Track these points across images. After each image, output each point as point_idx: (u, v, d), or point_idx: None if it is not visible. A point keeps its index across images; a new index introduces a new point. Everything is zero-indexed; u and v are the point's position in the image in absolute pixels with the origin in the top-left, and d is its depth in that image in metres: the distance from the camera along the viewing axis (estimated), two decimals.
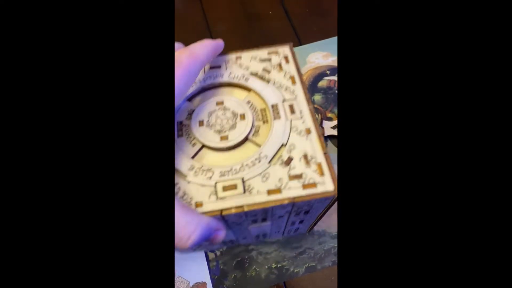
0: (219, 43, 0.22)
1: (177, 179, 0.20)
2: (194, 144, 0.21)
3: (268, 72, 0.24)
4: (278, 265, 0.34)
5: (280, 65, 0.24)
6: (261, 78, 0.24)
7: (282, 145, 0.21)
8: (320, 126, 0.25)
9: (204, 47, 0.20)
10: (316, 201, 0.19)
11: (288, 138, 0.21)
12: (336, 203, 0.21)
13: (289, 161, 0.20)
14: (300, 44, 0.45)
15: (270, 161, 0.20)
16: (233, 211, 0.18)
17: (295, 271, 0.34)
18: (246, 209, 0.18)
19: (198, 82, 0.24)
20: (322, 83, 0.42)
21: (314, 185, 0.19)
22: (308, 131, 0.21)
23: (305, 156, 0.20)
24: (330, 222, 0.35)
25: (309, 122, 0.21)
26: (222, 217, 0.19)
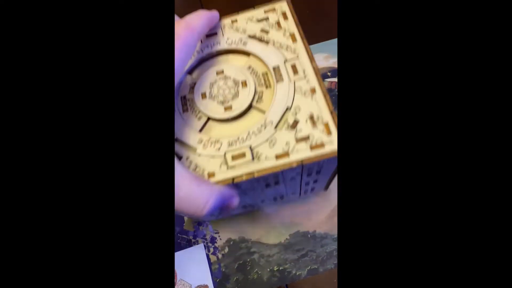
0: (214, 13, 0.22)
1: (187, 153, 0.20)
2: (200, 118, 0.22)
3: (267, 32, 0.23)
4: (280, 268, 0.34)
5: (278, 23, 0.23)
6: (260, 40, 0.23)
7: (287, 108, 0.20)
8: None
9: (200, 18, 0.20)
10: (325, 161, 0.19)
11: (293, 101, 0.20)
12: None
13: (295, 124, 0.20)
14: None
15: (276, 127, 0.20)
16: (244, 178, 0.19)
17: (297, 273, 0.34)
18: (256, 175, 0.19)
19: (196, 53, 0.23)
20: None
21: (322, 145, 0.19)
22: (313, 91, 0.21)
23: (311, 117, 0.20)
24: (332, 225, 0.35)
25: (313, 81, 0.21)
26: (235, 184, 0.19)
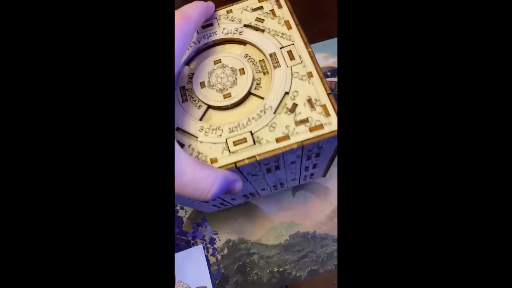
0: (209, 4, 0.23)
1: (189, 141, 0.21)
2: (200, 107, 0.22)
3: (262, 21, 0.24)
4: (280, 269, 0.34)
5: (273, 11, 0.24)
6: (255, 28, 0.23)
7: (285, 93, 0.21)
8: None
9: (196, 8, 0.21)
10: (324, 141, 0.20)
11: (291, 85, 0.21)
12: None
13: (294, 107, 0.20)
14: None
15: (275, 111, 0.20)
16: (246, 161, 0.19)
17: (297, 275, 0.33)
18: (258, 158, 0.19)
19: (193, 44, 0.24)
20: None
21: (321, 126, 0.20)
22: (310, 75, 0.21)
23: (309, 100, 0.20)
24: (332, 225, 0.35)
25: (309, 66, 0.21)
26: (238, 169, 0.20)
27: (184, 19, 0.19)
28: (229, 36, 0.24)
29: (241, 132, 0.20)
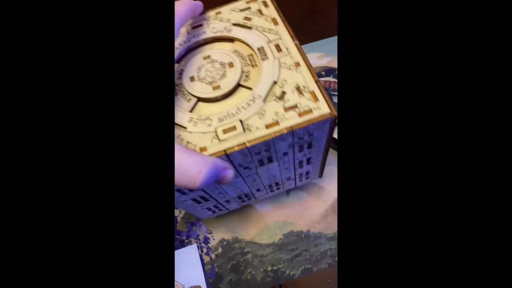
0: (197, 3, 0.24)
1: (178, 132, 0.21)
2: (189, 100, 0.22)
3: (249, 19, 0.25)
4: (274, 268, 0.34)
5: (260, 11, 0.25)
6: (244, 26, 0.24)
7: (274, 82, 0.21)
8: None
9: (184, 5, 0.21)
10: (314, 126, 0.20)
11: (279, 75, 0.21)
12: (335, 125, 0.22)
13: (282, 95, 0.21)
14: None
15: (264, 100, 0.21)
16: (236, 148, 0.19)
17: (291, 273, 0.34)
18: (248, 145, 0.19)
19: (183, 43, 0.24)
20: None
21: (310, 111, 0.20)
22: (297, 64, 0.22)
23: (298, 88, 0.21)
24: (326, 224, 0.35)
25: (297, 56, 0.22)
26: (228, 158, 0.20)
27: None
28: (218, 34, 0.24)
29: (231, 121, 0.20)
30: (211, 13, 0.26)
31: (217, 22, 0.25)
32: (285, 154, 0.23)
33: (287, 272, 0.34)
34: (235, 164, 0.21)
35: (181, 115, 0.21)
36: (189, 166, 0.17)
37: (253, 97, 0.21)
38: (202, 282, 0.34)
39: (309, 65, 0.21)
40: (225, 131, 0.20)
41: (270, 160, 0.23)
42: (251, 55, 0.24)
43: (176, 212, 0.37)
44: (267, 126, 0.20)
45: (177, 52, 0.24)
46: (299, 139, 0.21)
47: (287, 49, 0.22)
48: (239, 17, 0.25)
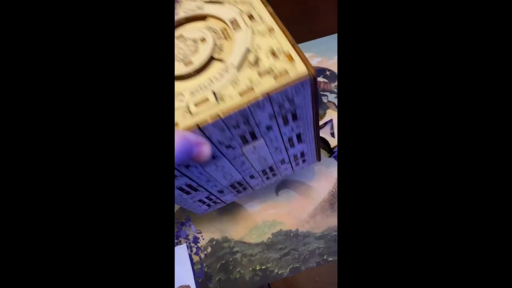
0: None
1: None
2: None
3: None
4: (263, 267, 0.34)
5: None
6: (216, 2, 0.24)
7: (247, 49, 0.20)
8: None
9: None
10: (293, 90, 0.19)
11: (253, 42, 0.20)
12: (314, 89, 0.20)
13: (256, 61, 0.20)
14: None
15: (238, 68, 0.20)
16: (209, 120, 0.18)
17: (280, 272, 0.34)
18: (222, 116, 0.18)
19: None
20: None
21: (285, 72, 0.19)
22: (271, 30, 0.21)
23: (272, 52, 0.20)
24: (314, 224, 0.35)
25: (270, 22, 0.21)
26: (203, 132, 0.19)
27: None
28: (190, 13, 0.24)
29: (203, 93, 0.19)
30: None
31: (188, 2, 0.24)
32: (269, 128, 0.22)
33: (276, 271, 0.34)
34: (214, 141, 0.20)
35: None
36: None
37: (226, 66, 0.20)
38: (191, 281, 0.34)
39: (284, 30, 0.21)
40: (197, 104, 0.19)
41: (253, 136, 0.22)
42: (224, 28, 0.23)
43: None
44: (241, 94, 0.18)
45: None
46: (279, 107, 0.20)
47: (260, 17, 0.22)
48: None
